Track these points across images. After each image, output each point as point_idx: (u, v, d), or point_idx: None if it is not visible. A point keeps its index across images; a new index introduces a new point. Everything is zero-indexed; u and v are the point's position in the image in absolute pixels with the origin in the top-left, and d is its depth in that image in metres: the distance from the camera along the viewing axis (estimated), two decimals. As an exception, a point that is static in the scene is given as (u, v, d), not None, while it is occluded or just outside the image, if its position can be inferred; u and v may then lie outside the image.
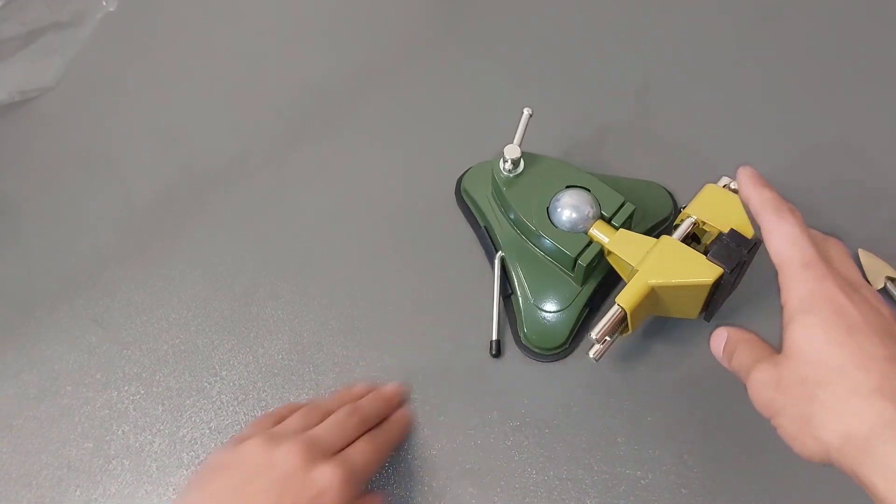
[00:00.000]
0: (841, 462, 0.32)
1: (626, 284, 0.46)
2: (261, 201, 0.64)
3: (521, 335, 0.54)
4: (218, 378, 0.55)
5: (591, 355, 0.47)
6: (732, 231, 0.45)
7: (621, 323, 0.46)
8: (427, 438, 0.52)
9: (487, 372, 0.54)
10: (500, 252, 0.55)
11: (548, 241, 0.51)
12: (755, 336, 0.40)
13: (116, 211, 0.64)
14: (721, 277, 0.44)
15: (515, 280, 0.54)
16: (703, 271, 0.44)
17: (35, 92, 0.71)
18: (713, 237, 0.46)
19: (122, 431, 0.54)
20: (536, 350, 0.53)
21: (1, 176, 0.67)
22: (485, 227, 0.58)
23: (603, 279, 0.54)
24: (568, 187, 0.52)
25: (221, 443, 0.53)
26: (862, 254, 0.57)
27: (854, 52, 0.69)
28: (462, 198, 0.61)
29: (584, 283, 0.53)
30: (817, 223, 0.59)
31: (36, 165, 0.68)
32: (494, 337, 0.54)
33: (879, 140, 0.64)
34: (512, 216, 0.55)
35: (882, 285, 0.55)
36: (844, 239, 0.58)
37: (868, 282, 0.55)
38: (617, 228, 0.50)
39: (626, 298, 0.45)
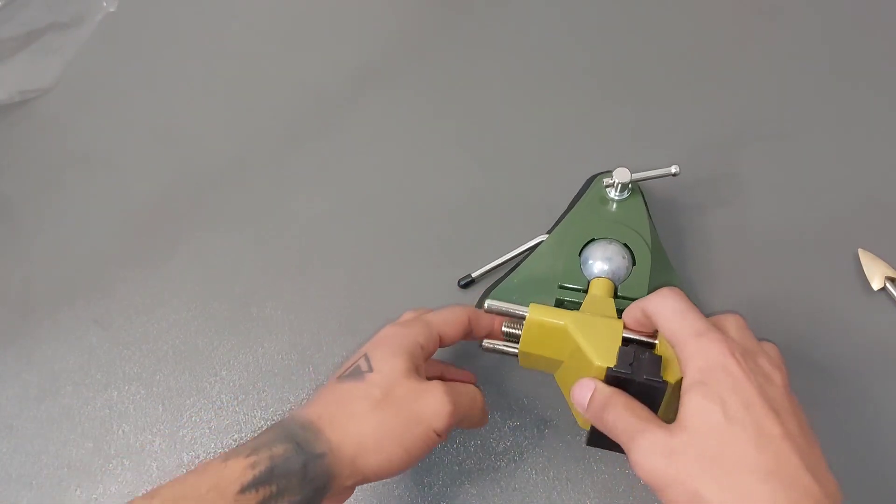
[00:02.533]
0: None
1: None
2: (260, 202, 0.64)
3: None
4: (218, 378, 0.55)
5: (483, 343, 0.47)
6: (654, 359, 0.39)
7: (516, 326, 0.45)
8: (427, 438, 0.52)
9: (488, 373, 0.54)
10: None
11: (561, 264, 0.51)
12: (631, 397, 0.38)
13: (116, 211, 0.64)
14: (607, 374, 0.39)
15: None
16: (601, 354, 0.40)
17: (35, 92, 0.71)
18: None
19: (123, 431, 0.54)
20: None
21: (1, 176, 0.67)
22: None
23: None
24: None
25: (221, 443, 0.53)
26: (862, 254, 0.57)
27: (844, 50, 0.69)
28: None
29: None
30: (817, 224, 0.60)
31: (36, 166, 0.68)
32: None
33: (879, 140, 0.64)
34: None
35: (882, 285, 0.55)
36: (844, 239, 0.58)
37: (868, 281, 0.55)
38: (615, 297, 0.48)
39: (539, 309, 0.43)
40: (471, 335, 0.47)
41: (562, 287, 0.50)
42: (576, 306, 0.50)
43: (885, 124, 0.65)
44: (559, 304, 0.51)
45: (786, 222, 0.60)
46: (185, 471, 0.50)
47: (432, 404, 0.39)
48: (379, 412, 0.39)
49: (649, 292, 0.49)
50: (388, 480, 0.50)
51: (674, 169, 0.53)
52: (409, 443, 0.38)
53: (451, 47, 0.73)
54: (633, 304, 0.41)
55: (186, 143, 0.68)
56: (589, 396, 0.38)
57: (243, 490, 0.34)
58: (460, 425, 0.43)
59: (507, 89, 0.69)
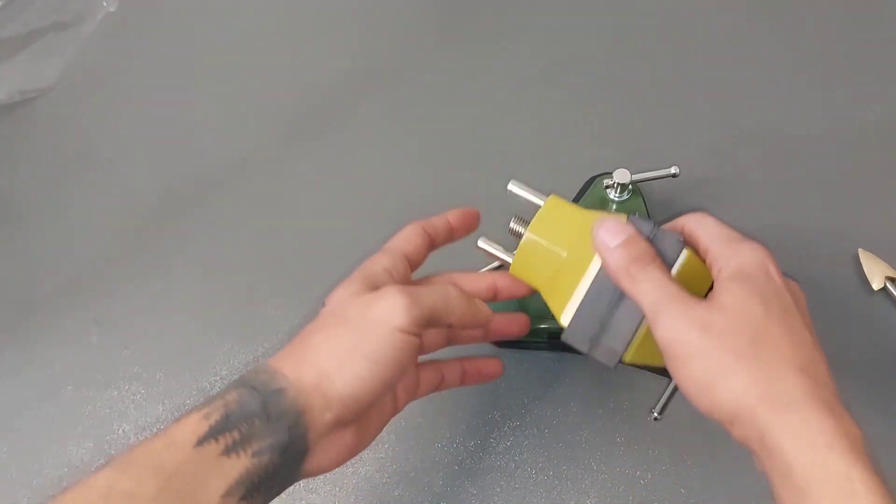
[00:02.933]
0: (746, 422, 0.31)
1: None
2: (261, 201, 0.64)
3: None
4: (218, 378, 0.55)
5: (479, 242, 0.43)
6: (674, 235, 0.37)
7: (524, 225, 0.41)
8: (428, 438, 0.52)
9: (487, 372, 0.54)
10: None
11: None
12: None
13: (117, 211, 0.64)
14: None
15: None
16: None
17: (35, 92, 0.71)
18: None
19: (123, 431, 0.54)
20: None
21: (1, 176, 0.67)
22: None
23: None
24: None
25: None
26: (862, 254, 0.57)
27: (845, 48, 0.69)
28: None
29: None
30: (817, 223, 0.60)
31: (36, 165, 0.68)
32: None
33: (880, 140, 0.64)
34: None
35: (882, 285, 0.55)
36: (844, 239, 0.58)
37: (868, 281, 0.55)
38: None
39: (560, 199, 0.41)
40: (433, 242, 0.43)
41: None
42: None
43: (883, 124, 0.65)
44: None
45: (786, 222, 0.60)
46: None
47: (385, 304, 0.35)
48: (332, 335, 0.35)
49: None
50: (388, 480, 0.50)
51: (674, 170, 0.53)
52: (372, 351, 0.34)
53: (451, 48, 0.73)
54: (669, 224, 0.40)
55: (187, 143, 0.68)
56: (622, 240, 0.35)
57: (201, 441, 0.31)
58: (442, 323, 0.38)
59: (507, 90, 0.69)
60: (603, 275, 0.37)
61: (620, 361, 0.37)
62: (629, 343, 0.37)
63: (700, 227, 0.38)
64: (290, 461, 0.33)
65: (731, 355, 0.32)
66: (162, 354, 0.57)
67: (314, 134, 0.68)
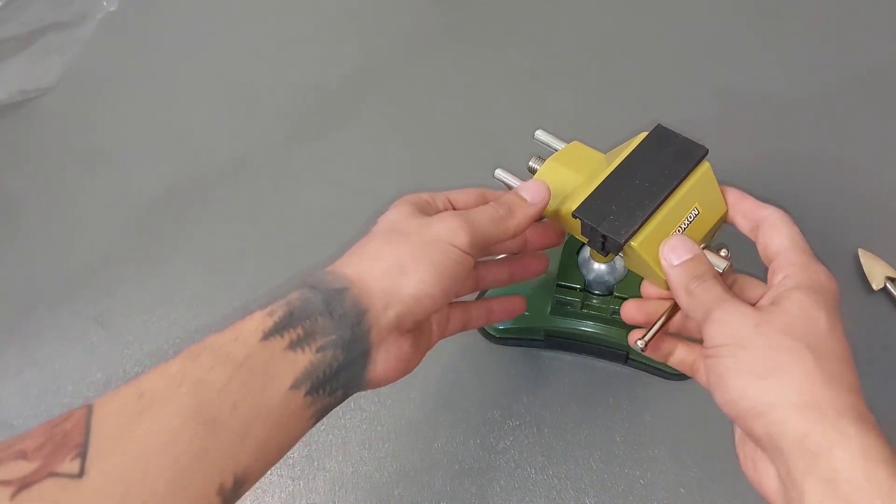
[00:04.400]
0: (789, 418, 0.30)
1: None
2: (262, 200, 0.64)
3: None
4: (218, 377, 0.55)
5: (496, 172, 0.44)
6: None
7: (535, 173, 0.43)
8: (427, 437, 0.52)
9: (488, 371, 0.54)
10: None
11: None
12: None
13: (117, 210, 0.64)
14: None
15: None
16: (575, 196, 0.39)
17: (36, 92, 0.72)
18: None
19: (123, 430, 0.54)
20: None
21: (2, 175, 0.67)
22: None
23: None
24: None
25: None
26: (862, 254, 0.57)
27: (849, 61, 0.69)
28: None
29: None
30: (818, 223, 0.59)
31: (37, 165, 0.68)
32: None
33: (879, 140, 0.64)
34: None
35: (882, 285, 0.55)
36: (844, 239, 0.58)
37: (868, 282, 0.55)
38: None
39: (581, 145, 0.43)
40: (482, 197, 0.43)
41: (559, 286, 0.50)
42: (574, 306, 0.50)
43: (881, 123, 0.65)
44: (557, 302, 0.51)
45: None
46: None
47: (445, 225, 0.36)
48: (394, 244, 0.36)
49: None
50: (389, 480, 0.50)
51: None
52: (434, 260, 0.35)
53: (451, 46, 0.73)
54: (750, 205, 0.38)
55: (187, 142, 0.68)
56: (686, 259, 0.36)
57: (266, 336, 0.32)
58: (489, 243, 0.38)
59: (507, 87, 0.69)
60: (618, 171, 0.38)
61: (629, 244, 0.37)
62: (643, 222, 0.36)
63: (782, 226, 0.36)
64: (353, 360, 0.33)
65: (779, 353, 0.31)
66: (162, 354, 0.57)
67: (315, 132, 0.68)
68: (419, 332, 0.38)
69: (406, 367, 0.37)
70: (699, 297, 0.35)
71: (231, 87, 0.72)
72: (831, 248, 0.58)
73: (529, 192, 0.40)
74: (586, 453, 0.50)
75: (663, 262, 0.37)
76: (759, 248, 0.37)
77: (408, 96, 0.70)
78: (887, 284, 0.55)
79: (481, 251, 0.38)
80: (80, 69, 0.73)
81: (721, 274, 0.37)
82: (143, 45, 0.75)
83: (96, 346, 0.57)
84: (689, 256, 0.36)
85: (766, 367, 0.31)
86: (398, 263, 0.35)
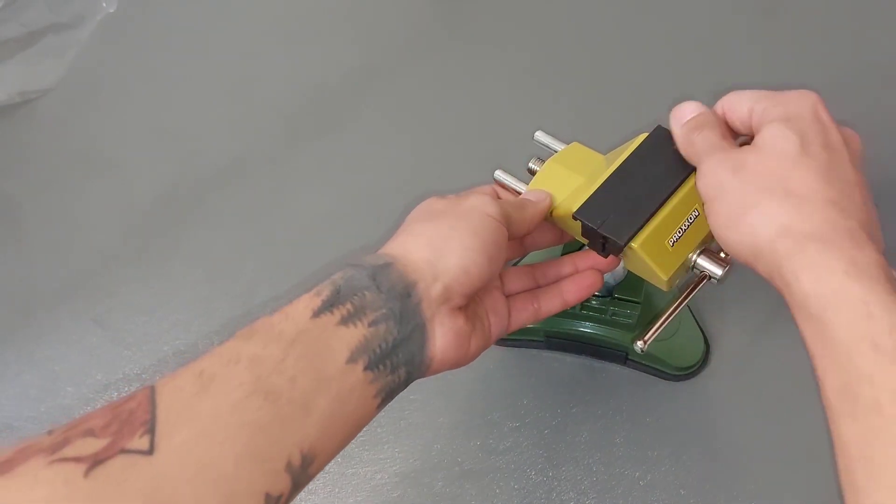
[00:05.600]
0: (766, 255, 0.31)
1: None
2: (261, 201, 0.64)
3: None
4: (218, 379, 0.55)
5: (495, 174, 0.45)
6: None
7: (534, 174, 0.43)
8: (428, 439, 0.52)
9: (488, 373, 0.54)
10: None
11: None
12: (726, 124, 0.37)
13: (117, 211, 0.64)
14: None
15: None
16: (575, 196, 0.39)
17: (35, 93, 0.72)
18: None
19: (123, 432, 0.54)
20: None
21: (1, 177, 0.67)
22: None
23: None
24: None
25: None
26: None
27: (849, 60, 0.69)
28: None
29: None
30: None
31: (36, 166, 0.68)
32: None
33: (879, 140, 0.64)
34: None
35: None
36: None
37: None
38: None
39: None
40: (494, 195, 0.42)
41: None
42: (574, 307, 0.50)
43: (882, 123, 0.64)
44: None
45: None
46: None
47: (476, 198, 0.37)
48: (432, 222, 0.36)
49: (644, 293, 0.50)
50: (388, 481, 0.50)
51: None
52: (473, 227, 0.35)
53: (451, 46, 0.73)
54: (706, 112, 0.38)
55: (186, 143, 0.68)
56: (689, 116, 0.37)
57: (317, 314, 0.31)
58: (512, 224, 0.38)
59: (507, 87, 0.69)
60: (618, 172, 0.38)
61: (630, 245, 0.37)
62: (643, 223, 0.36)
63: (738, 97, 0.36)
64: (410, 335, 0.33)
65: (757, 190, 0.32)
66: (162, 355, 0.57)
67: (315, 133, 0.68)
68: (473, 313, 0.38)
69: (465, 348, 0.36)
70: (697, 147, 0.36)
71: (230, 89, 0.72)
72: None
73: (532, 195, 0.41)
74: (587, 455, 0.50)
75: (672, 121, 0.38)
76: (748, 124, 0.36)
77: (407, 97, 0.69)
78: (888, 285, 0.55)
79: (509, 230, 0.38)
80: (80, 70, 0.73)
81: (718, 279, 0.37)
82: (142, 47, 0.75)
83: (96, 347, 0.57)
84: (696, 112, 0.37)
85: (741, 209, 0.32)
86: (440, 236, 0.35)
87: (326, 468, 0.51)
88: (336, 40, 0.74)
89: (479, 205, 0.37)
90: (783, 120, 0.33)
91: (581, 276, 0.43)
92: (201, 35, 0.76)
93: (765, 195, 0.32)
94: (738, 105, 0.36)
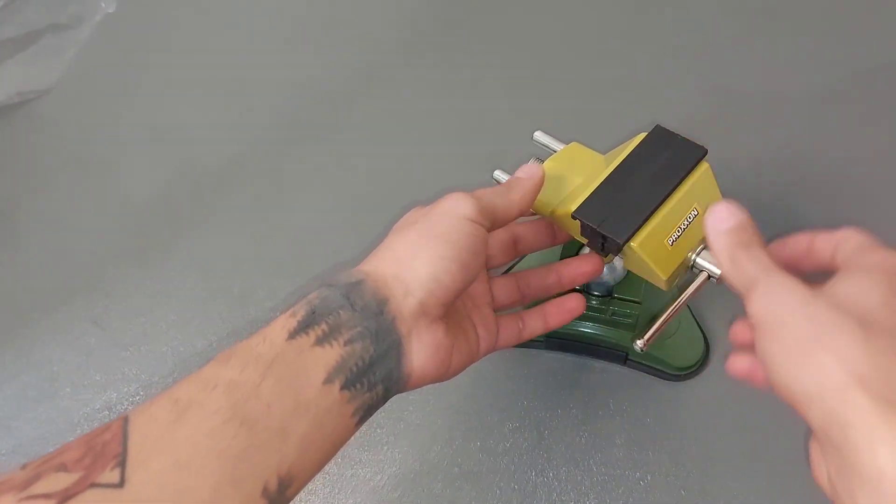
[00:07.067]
0: (829, 403, 0.27)
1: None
2: (259, 203, 0.64)
3: None
4: (217, 379, 0.55)
5: (494, 173, 0.45)
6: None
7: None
8: (426, 440, 0.52)
9: (487, 373, 0.54)
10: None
11: None
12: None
13: (115, 213, 0.64)
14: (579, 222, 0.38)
15: None
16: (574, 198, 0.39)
17: (33, 94, 0.71)
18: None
19: (121, 433, 0.54)
20: None
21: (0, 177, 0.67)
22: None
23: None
24: None
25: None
26: (862, 254, 0.56)
27: (849, 60, 0.69)
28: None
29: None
30: (818, 224, 0.59)
31: (34, 167, 0.68)
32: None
33: (879, 140, 0.64)
34: None
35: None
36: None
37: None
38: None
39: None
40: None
41: None
42: None
43: (881, 123, 0.64)
44: None
45: (785, 222, 0.59)
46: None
47: (450, 200, 0.36)
48: (404, 233, 0.36)
49: (644, 293, 0.49)
50: (388, 482, 0.50)
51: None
52: (444, 232, 0.35)
53: (450, 46, 0.73)
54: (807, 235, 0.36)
55: (185, 144, 0.68)
56: (735, 223, 0.34)
57: (292, 335, 0.31)
58: (497, 213, 0.37)
59: (506, 88, 0.69)
60: (617, 172, 0.38)
61: (629, 244, 0.36)
62: (642, 222, 0.36)
63: (854, 234, 0.33)
64: (386, 352, 0.33)
65: (831, 327, 0.28)
66: (160, 356, 0.56)
67: (312, 134, 0.68)
68: (455, 326, 0.37)
69: (445, 363, 0.36)
70: (744, 267, 0.32)
71: (228, 90, 0.72)
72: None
73: (523, 171, 0.40)
74: (586, 456, 0.50)
75: (708, 229, 0.34)
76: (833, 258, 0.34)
77: (406, 98, 0.69)
78: (888, 285, 0.55)
79: (493, 223, 0.37)
80: (78, 71, 0.73)
81: (718, 279, 0.37)
82: (140, 48, 0.75)
83: (94, 348, 0.57)
84: (734, 221, 0.34)
85: (810, 344, 0.28)
86: (409, 249, 0.35)
87: (326, 469, 0.51)
88: (334, 41, 0.74)
89: (451, 208, 0.36)
90: (867, 271, 0.30)
91: (564, 300, 0.43)
92: (200, 36, 0.76)
93: (844, 334, 0.27)
94: (850, 241, 0.33)
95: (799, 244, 0.35)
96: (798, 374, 0.28)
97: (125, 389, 0.55)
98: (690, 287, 0.40)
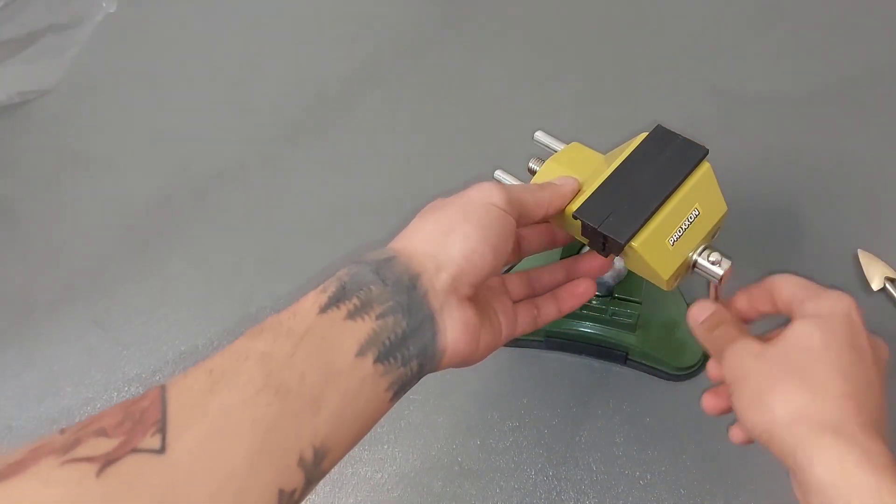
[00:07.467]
0: (782, 437, 0.32)
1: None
2: (260, 202, 0.64)
3: None
4: (217, 379, 0.55)
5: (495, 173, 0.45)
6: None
7: (534, 174, 0.44)
8: (427, 439, 0.52)
9: (488, 372, 0.54)
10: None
11: None
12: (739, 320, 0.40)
13: (116, 212, 0.64)
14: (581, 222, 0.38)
15: None
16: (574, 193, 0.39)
17: (34, 93, 0.72)
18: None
19: (122, 432, 0.54)
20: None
21: (1, 177, 0.67)
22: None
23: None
24: None
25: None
26: (861, 254, 0.57)
27: (849, 60, 0.69)
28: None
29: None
30: (817, 224, 0.59)
31: (35, 167, 0.68)
32: None
33: (879, 139, 0.64)
34: None
35: (882, 285, 0.55)
36: (844, 239, 0.58)
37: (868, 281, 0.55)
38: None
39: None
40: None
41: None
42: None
43: (881, 123, 0.65)
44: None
45: (786, 222, 0.60)
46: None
47: (481, 188, 0.37)
48: (434, 215, 0.36)
49: (644, 293, 0.50)
50: (388, 481, 0.50)
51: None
52: (476, 217, 0.35)
53: (451, 46, 0.73)
54: (744, 291, 0.41)
55: (186, 144, 0.68)
56: (707, 315, 0.39)
57: (323, 309, 0.32)
58: (525, 208, 0.38)
59: (507, 87, 0.69)
60: (618, 172, 0.38)
61: (630, 244, 0.37)
62: (644, 222, 0.37)
63: (786, 281, 0.38)
64: (419, 327, 0.33)
65: (778, 374, 0.34)
66: (161, 355, 0.57)
67: (313, 134, 0.68)
68: (483, 307, 0.38)
69: (475, 341, 0.36)
70: (715, 342, 0.38)
71: (229, 89, 0.72)
72: (831, 249, 0.58)
73: (559, 179, 0.41)
74: (586, 454, 0.50)
75: (689, 322, 0.40)
76: (788, 308, 0.39)
77: (407, 97, 0.69)
78: (887, 285, 0.55)
79: (521, 217, 0.37)
80: (79, 71, 0.73)
81: (720, 279, 0.38)
82: (141, 48, 0.75)
83: (95, 347, 0.57)
84: (708, 313, 0.39)
85: (762, 394, 0.34)
86: (441, 229, 0.35)
87: (326, 468, 0.51)
88: (334, 41, 0.74)
89: (483, 195, 0.36)
90: (815, 317, 0.35)
91: (574, 284, 0.44)
92: (201, 36, 0.76)
93: (785, 380, 0.33)
94: (785, 288, 0.38)
95: (739, 302, 0.41)
96: (757, 418, 0.34)
97: (126, 389, 0.55)
98: None
